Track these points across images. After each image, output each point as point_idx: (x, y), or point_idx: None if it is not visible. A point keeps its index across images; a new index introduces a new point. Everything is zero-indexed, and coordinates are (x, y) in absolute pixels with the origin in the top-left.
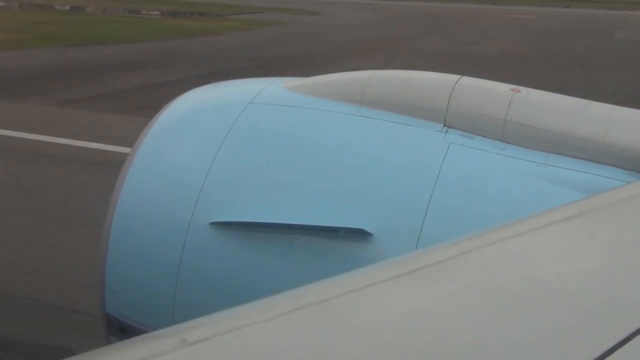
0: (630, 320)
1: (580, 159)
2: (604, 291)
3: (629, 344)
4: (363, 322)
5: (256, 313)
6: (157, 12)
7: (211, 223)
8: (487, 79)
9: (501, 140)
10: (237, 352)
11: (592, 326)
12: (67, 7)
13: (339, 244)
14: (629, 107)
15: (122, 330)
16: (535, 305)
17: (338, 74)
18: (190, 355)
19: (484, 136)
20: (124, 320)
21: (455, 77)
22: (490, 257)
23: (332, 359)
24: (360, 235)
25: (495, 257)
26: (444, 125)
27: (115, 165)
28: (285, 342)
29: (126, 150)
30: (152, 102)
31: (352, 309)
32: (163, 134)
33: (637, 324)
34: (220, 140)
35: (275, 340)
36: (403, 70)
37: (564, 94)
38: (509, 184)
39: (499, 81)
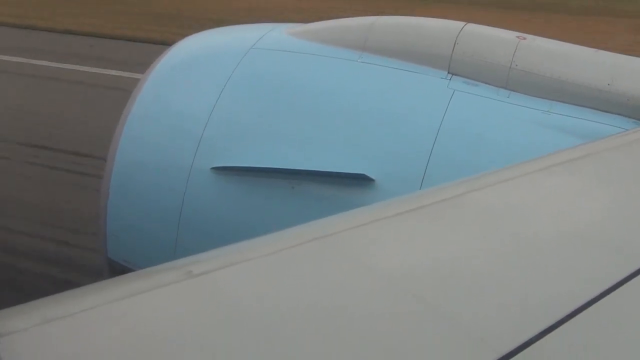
0: (631, 261)
1: (585, 107)
2: (606, 232)
3: (632, 281)
4: (366, 256)
5: (260, 247)
6: None
7: (212, 168)
8: None
9: (505, 88)
10: (241, 284)
11: (594, 265)
12: None
13: (340, 189)
14: None
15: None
16: (536, 244)
17: (342, 19)
18: (196, 287)
19: (488, 84)
20: (126, 264)
21: (460, 24)
22: (493, 197)
23: (336, 292)
24: (362, 181)
25: (498, 197)
26: (448, 73)
27: None
28: (288, 275)
29: None
30: None
31: (356, 243)
32: (162, 80)
33: (637, 264)
34: (221, 86)
35: (279, 273)
36: (407, 17)
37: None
38: (513, 132)
39: None
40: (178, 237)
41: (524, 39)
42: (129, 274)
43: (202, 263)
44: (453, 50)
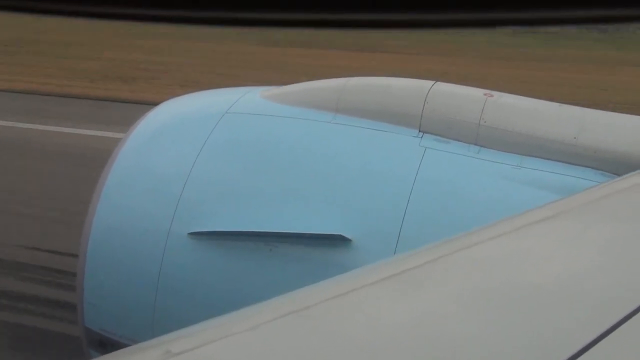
0: (609, 315)
1: (554, 160)
2: (582, 288)
3: (609, 336)
4: (345, 328)
5: (239, 323)
6: None
7: (190, 233)
8: None
9: (475, 144)
10: None
11: (573, 322)
12: None
13: (318, 250)
14: None
15: (102, 344)
16: (516, 304)
17: (314, 82)
18: None
19: (459, 140)
20: (104, 333)
21: (429, 82)
22: (470, 259)
23: None
24: (339, 241)
25: (475, 259)
26: (419, 131)
27: None
28: (268, 352)
29: None
30: None
31: (334, 315)
32: (140, 146)
33: (615, 317)
34: (196, 151)
35: (259, 349)
36: (378, 77)
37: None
38: (485, 187)
39: None
40: (156, 304)
41: (491, 95)
42: (106, 356)
43: (180, 340)
44: (423, 108)
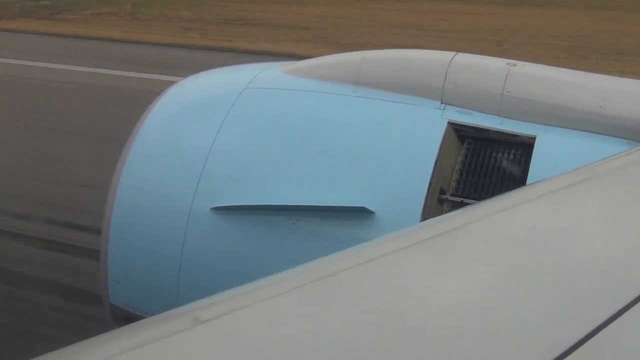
0: (630, 287)
1: (579, 130)
2: (608, 257)
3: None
4: (371, 294)
5: (266, 289)
6: None
7: (212, 208)
8: None
9: (499, 115)
10: (250, 328)
11: (594, 293)
12: None
13: (341, 223)
14: None
15: (128, 320)
16: (540, 275)
17: (333, 55)
18: (204, 333)
19: (481, 112)
20: (129, 310)
21: (451, 53)
22: (494, 226)
23: (343, 332)
24: (362, 213)
25: (499, 226)
26: (441, 102)
27: None
28: (296, 317)
29: None
30: None
31: (361, 281)
32: (160, 123)
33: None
34: (217, 127)
35: (286, 315)
36: (397, 49)
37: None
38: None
39: None
40: (180, 280)
41: (514, 65)
42: (134, 324)
43: (208, 308)
44: (445, 80)
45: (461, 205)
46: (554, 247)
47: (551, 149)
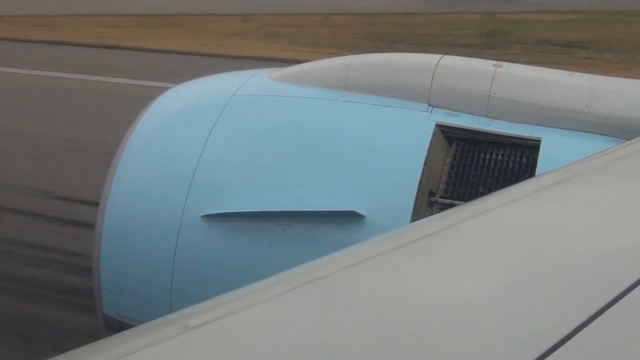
0: (621, 277)
1: (566, 129)
2: (594, 253)
3: (621, 300)
4: (362, 295)
5: (255, 295)
6: None
7: (203, 216)
8: None
9: (486, 116)
10: (240, 334)
11: (585, 286)
12: None
13: (331, 228)
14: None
15: (120, 330)
16: (529, 270)
17: (319, 61)
18: (194, 340)
19: (469, 113)
20: (122, 320)
21: (437, 56)
22: (483, 226)
23: (334, 334)
24: (352, 218)
25: (488, 225)
26: (429, 105)
27: None
28: (286, 322)
29: None
30: None
31: (351, 283)
32: (149, 132)
33: (625, 282)
34: (206, 134)
35: (276, 320)
36: (384, 54)
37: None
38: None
39: None
40: (172, 288)
41: (500, 66)
42: (124, 332)
43: (197, 315)
44: (432, 83)
45: (450, 207)
46: (541, 245)
47: (540, 149)
